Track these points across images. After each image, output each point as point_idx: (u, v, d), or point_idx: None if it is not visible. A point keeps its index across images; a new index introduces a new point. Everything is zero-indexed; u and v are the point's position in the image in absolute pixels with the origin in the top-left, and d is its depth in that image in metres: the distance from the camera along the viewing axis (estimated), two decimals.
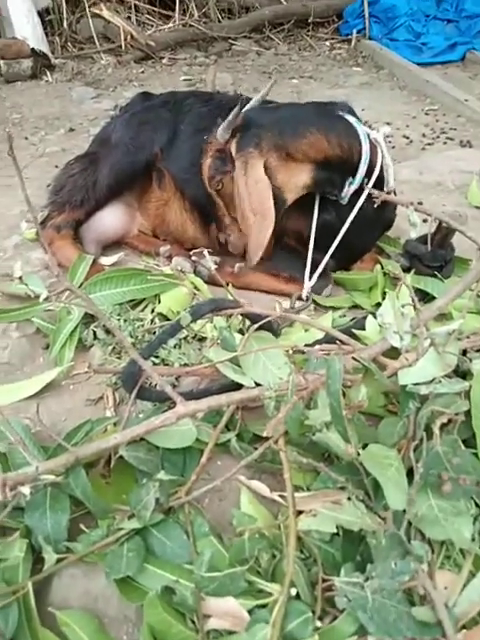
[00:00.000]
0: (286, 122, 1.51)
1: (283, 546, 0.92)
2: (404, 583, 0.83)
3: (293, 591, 0.83)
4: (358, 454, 0.99)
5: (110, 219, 1.80)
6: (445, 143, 3.09)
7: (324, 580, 0.87)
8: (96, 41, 4.97)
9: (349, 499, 0.93)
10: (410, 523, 0.93)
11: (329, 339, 1.21)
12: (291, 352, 1.14)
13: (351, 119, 1.58)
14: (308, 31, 5.43)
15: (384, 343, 1.05)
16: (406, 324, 1.03)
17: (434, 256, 1.68)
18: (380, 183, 1.58)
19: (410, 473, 0.94)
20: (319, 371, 0.98)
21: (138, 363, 1.05)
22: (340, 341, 1.08)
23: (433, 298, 1.52)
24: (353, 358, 0.96)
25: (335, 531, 0.89)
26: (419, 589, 0.85)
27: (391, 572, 0.83)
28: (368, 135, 1.56)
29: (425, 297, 1.59)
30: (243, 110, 1.57)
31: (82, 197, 1.77)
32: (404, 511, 0.91)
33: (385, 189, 1.55)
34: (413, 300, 1.06)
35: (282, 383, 0.97)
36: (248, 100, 1.67)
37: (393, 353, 1.10)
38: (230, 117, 1.51)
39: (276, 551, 0.94)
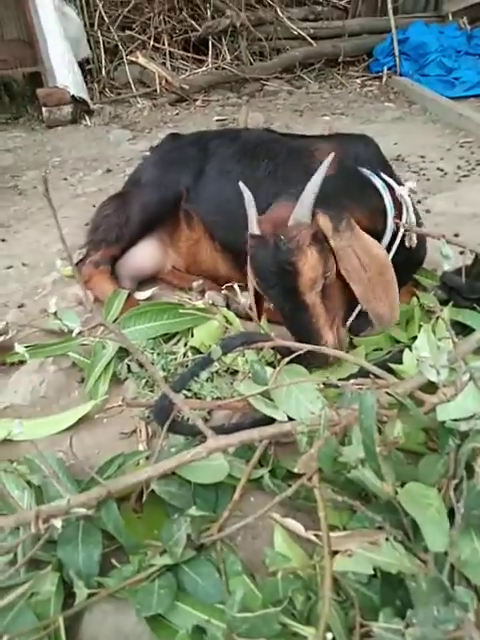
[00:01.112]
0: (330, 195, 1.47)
1: (318, 588, 0.89)
2: (449, 633, 0.78)
3: (329, 636, 0.80)
4: (396, 493, 0.96)
5: (143, 255, 1.86)
6: None
7: (362, 625, 0.83)
8: (132, 86, 5.21)
9: (387, 540, 0.89)
10: (453, 567, 0.88)
11: (364, 373, 1.19)
12: (324, 386, 1.12)
13: (376, 181, 1.53)
14: (339, 70, 5.55)
15: (420, 377, 1.03)
16: (443, 358, 1.01)
17: (472, 288, 1.64)
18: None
19: (451, 514, 0.90)
20: (353, 406, 0.96)
21: (169, 397, 1.05)
22: (374, 375, 1.06)
23: (472, 330, 1.48)
24: (387, 393, 0.94)
25: (372, 573, 0.85)
26: (465, 639, 0.80)
27: (434, 619, 0.79)
28: (392, 192, 1.52)
29: (464, 330, 1.56)
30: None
31: (116, 234, 1.84)
32: (446, 554, 0.87)
33: (407, 243, 1.50)
34: (450, 333, 1.04)
35: (314, 418, 0.96)
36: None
37: (431, 388, 1.08)
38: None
39: (311, 593, 0.90)
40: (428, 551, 0.87)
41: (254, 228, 1.37)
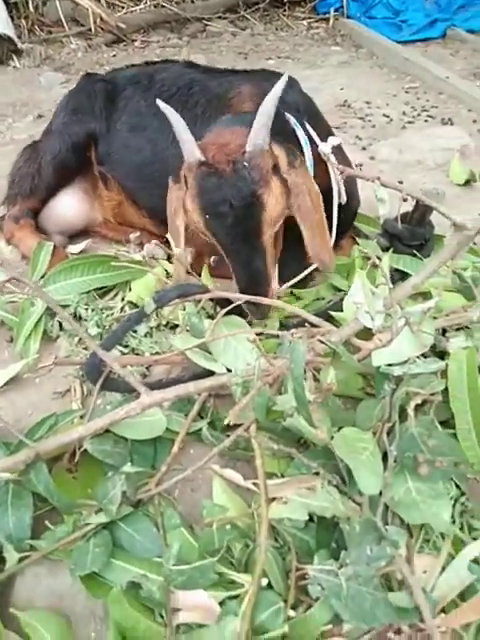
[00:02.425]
0: None
1: (256, 535, 0.89)
2: (380, 569, 0.80)
3: (265, 581, 0.80)
4: (332, 438, 0.96)
5: (68, 207, 1.73)
6: (426, 121, 3.04)
7: (298, 569, 0.84)
8: (65, 24, 4.81)
9: (323, 485, 0.90)
10: (387, 507, 0.90)
11: (302, 322, 1.17)
12: (262, 337, 1.10)
13: (300, 133, 1.39)
14: (284, 11, 5.31)
15: (356, 324, 1.01)
16: (378, 304, 1.00)
17: (413, 234, 1.64)
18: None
19: (385, 457, 0.91)
20: (287, 355, 0.94)
21: (99, 355, 1.00)
22: (311, 324, 1.04)
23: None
24: (319, 340, 0.92)
25: (308, 518, 0.86)
26: (396, 574, 0.83)
27: (366, 558, 0.80)
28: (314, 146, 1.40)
29: (404, 277, 1.56)
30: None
31: (30, 186, 1.72)
32: (380, 494, 0.89)
33: (334, 206, 1.40)
34: (386, 279, 1.02)
35: (250, 369, 0.93)
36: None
37: (368, 334, 1.07)
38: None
39: (249, 541, 0.90)
40: (363, 494, 0.88)
41: (196, 154, 1.18)
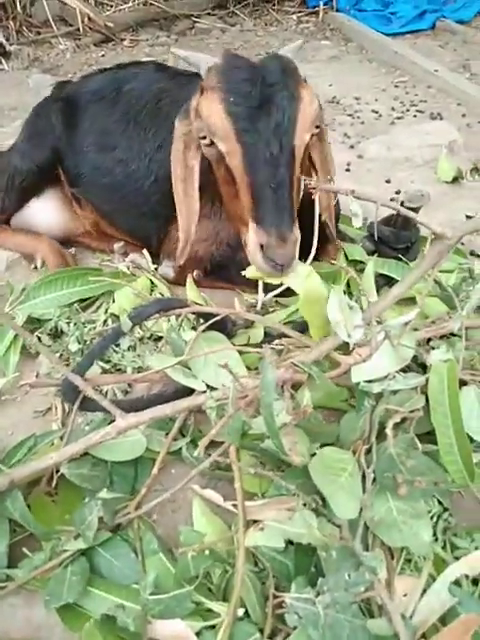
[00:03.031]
0: None
1: (235, 560, 0.88)
2: (358, 595, 0.79)
3: (240, 611, 0.79)
4: (314, 454, 0.95)
5: (43, 218, 1.71)
6: (415, 116, 3.01)
7: (275, 596, 0.82)
8: (53, 24, 4.76)
9: (303, 507, 0.88)
10: (368, 528, 0.88)
11: (283, 336, 1.15)
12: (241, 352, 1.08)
13: None
14: (274, 5, 5.25)
15: (334, 339, 1.00)
16: (357, 318, 0.98)
17: (398, 238, 1.62)
18: None
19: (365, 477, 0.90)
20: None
21: (76, 375, 0.98)
22: (283, 335, 1.02)
23: (397, 282, 1.47)
24: (293, 363, 0.90)
25: (283, 545, 0.84)
26: (376, 599, 0.81)
27: (344, 584, 0.79)
28: None
29: (389, 281, 1.54)
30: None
31: (1, 205, 1.71)
32: (361, 512, 0.87)
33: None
34: (366, 293, 1.00)
35: (225, 390, 0.91)
36: None
37: (348, 348, 1.05)
38: None
39: (228, 566, 0.89)
40: None
41: (215, 59, 1.11)
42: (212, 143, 1.12)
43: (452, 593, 0.81)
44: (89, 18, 4.67)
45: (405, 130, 2.71)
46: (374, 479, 0.88)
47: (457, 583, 0.84)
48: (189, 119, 1.19)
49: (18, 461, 1.05)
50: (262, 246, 1.05)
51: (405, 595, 0.84)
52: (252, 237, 1.06)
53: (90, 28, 4.73)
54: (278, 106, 1.05)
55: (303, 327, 1.31)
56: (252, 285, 1.50)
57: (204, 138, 1.13)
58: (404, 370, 1.01)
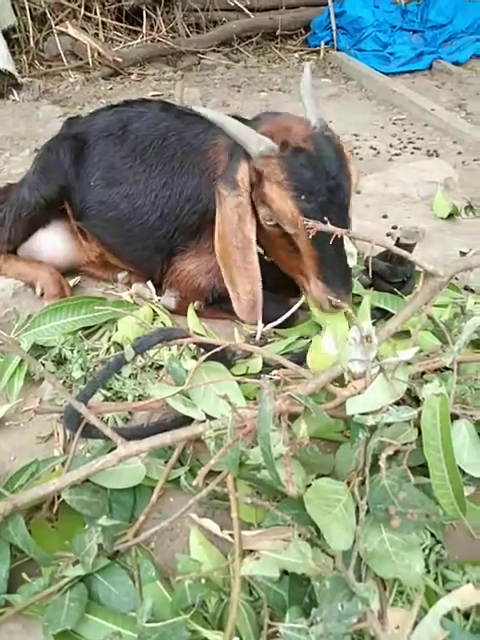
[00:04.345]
0: None
1: (231, 589, 0.89)
2: (351, 625, 0.80)
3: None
4: (309, 485, 0.97)
5: (49, 248, 1.76)
6: (412, 153, 3.11)
7: (270, 626, 0.84)
8: (63, 59, 4.94)
9: (298, 536, 0.90)
10: (361, 559, 0.90)
11: (281, 366, 1.18)
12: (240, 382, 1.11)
13: None
14: (277, 44, 5.45)
15: (331, 372, 1.03)
16: (356, 352, 1.01)
17: (394, 272, 1.67)
18: None
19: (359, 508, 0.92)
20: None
21: (80, 402, 1.01)
22: (281, 366, 1.05)
23: (392, 315, 1.51)
24: (290, 396, 0.93)
25: (278, 575, 0.86)
26: (369, 631, 0.83)
27: (338, 615, 0.80)
28: None
29: (385, 314, 1.58)
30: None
31: (8, 236, 1.75)
32: (355, 543, 0.89)
33: None
34: (362, 330, 1.03)
35: (224, 420, 0.94)
36: None
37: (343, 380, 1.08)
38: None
39: (224, 594, 0.91)
40: None
41: (268, 142, 1.20)
42: (277, 225, 1.26)
43: (444, 626, 0.83)
44: (99, 53, 4.84)
45: (402, 167, 2.80)
46: (368, 511, 0.90)
47: (449, 616, 0.85)
48: (239, 190, 1.28)
49: (20, 486, 1.07)
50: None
51: (397, 627, 0.85)
52: (320, 293, 1.26)
53: (99, 62, 4.90)
54: (341, 194, 1.20)
55: (300, 358, 1.35)
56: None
57: (270, 220, 1.27)
58: (398, 403, 1.04)
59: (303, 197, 1.17)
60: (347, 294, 1.27)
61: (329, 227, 1.00)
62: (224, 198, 1.30)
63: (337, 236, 1.11)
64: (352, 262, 1.03)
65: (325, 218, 1.13)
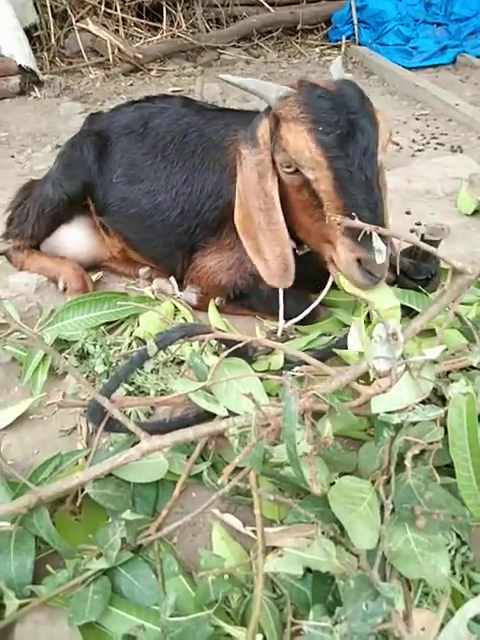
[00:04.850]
0: None
1: (254, 585, 0.89)
2: (376, 626, 0.79)
3: (259, 637, 0.80)
4: (333, 484, 0.96)
5: (71, 244, 1.77)
6: (435, 148, 3.06)
7: (293, 623, 0.83)
8: (84, 55, 4.96)
9: (322, 534, 0.90)
10: (386, 559, 0.89)
11: (303, 363, 1.18)
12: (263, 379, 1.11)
13: None
14: (297, 38, 5.41)
15: (356, 369, 1.02)
16: (382, 350, 1.00)
17: (418, 269, 1.64)
18: None
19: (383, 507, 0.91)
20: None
21: (104, 397, 1.02)
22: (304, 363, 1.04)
23: (417, 313, 1.49)
24: (315, 395, 0.92)
25: (302, 573, 0.85)
26: (394, 632, 0.82)
27: (362, 614, 0.80)
28: None
29: (410, 312, 1.56)
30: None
31: (31, 232, 1.76)
32: (379, 543, 0.88)
33: None
34: (389, 326, 1.02)
35: (247, 417, 0.94)
36: None
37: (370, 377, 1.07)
38: None
39: (246, 591, 0.90)
40: None
41: (287, 88, 1.16)
42: (296, 171, 1.17)
43: (471, 630, 0.81)
44: (119, 49, 4.86)
45: (426, 162, 2.75)
46: (393, 510, 0.89)
47: (476, 620, 0.84)
48: (259, 148, 1.23)
49: (44, 479, 1.08)
50: (359, 261, 1.12)
51: (423, 629, 0.84)
52: (347, 254, 1.13)
53: (119, 59, 4.92)
54: (364, 131, 1.12)
55: (324, 354, 1.34)
56: (272, 313, 1.54)
57: (288, 167, 1.18)
58: (423, 402, 1.03)
59: (320, 128, 1.09)
60: (380, 257, 1.10)
61: (357, 223, 0.98)
62: (244, 157, 1.27)
63: (363, 180, 1.06)
64: (380, 259, 1.01)
65: (348, 154, 1.07)
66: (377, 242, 1.00)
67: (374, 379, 1.03)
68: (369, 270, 1.13)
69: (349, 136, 1.11)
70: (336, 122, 1.10)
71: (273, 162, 1.24)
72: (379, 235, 1.02)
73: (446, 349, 1.31)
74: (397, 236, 0.98)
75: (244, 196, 1.30)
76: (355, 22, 4.98)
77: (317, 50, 5.25)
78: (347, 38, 5.05)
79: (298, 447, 0.87)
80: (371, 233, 0.98)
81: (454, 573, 0.92)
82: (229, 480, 1.04)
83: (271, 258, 1.30)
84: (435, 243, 1.66)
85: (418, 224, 2.18)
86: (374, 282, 1.16)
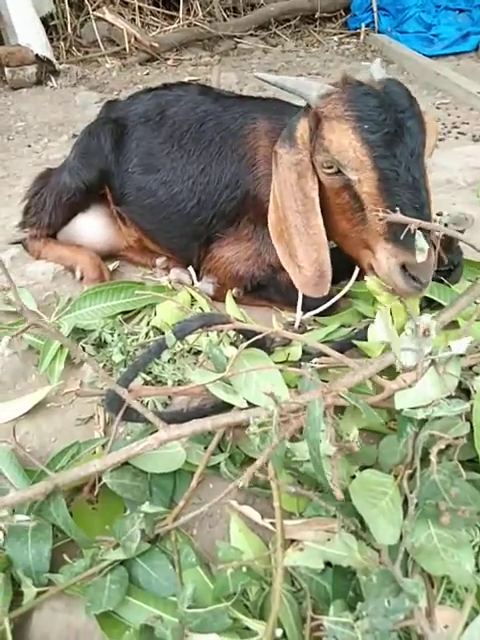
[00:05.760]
0: None
1: (272, 578, 0.88)
2: (398, 622, 0.78)
3: (279, 632, 0.79)
4: (354, 477, 0.95)
5: (88, 233, 1.76)
6: (457, 138, 3.00)
7: (313, 618, 0.82)
8: (100, 45, 4.95)
9: (341, 528, 0.88)
10: (408, 554, 0.87)
11: (323, 355, 1.16)
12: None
13: None
14: (315, 27, 5.34)
15: (380, 362, 1.00)
16: (410, 342, 0.97)
17: (440, 260, 1.60)
18: None
19: (406, 502, 0.89)
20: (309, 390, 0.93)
21: (121, 385, 1.01)
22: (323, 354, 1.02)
23: (439, 305, 1.46)
24: (339, 395, 0.90)
25: (322, 567, 0.84)
26: (416, 628, 0.80)
27: (384, 610, 0.78)
28: None
29: (431, 304, 1.53)
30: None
31: (48, 221, 1.76)
32: (401, 538, 0.86)
33: None
34: (416, 319, 0.99)
35: (268, 412, 0.91)
36: None
37: (393, 371, 1.05)
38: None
39: (265, 583, 0.89)
40: None
41: (329, 87, 1.11)
42: (337, 172, 1.13)
43: None
44: (135, 38, 4.85)
45: (447, 152, 2.70)
46: (416, 505, 0.87)
47: None
48: (297, 148, 1.19)
49: (61, 467, 1.08)
50: (403, 267, 1.07)
51: (446, 626, 0.82)
52: (390, 260, 1.08)
53: (136, 48, 4.91)
54: (411, 132, 1.07)
55: (344, 346, 1.32)
56: (290, 304, 1.52)
57: (329, 168, 1.14)
58: (448, 396, 1.00)
59: (366, 127, 1.04)
60: (422, 256, 1.04)
61: (397, 216, 0.94)
62: (281, 157, 1.21)
63: (410, 181, 1.00)
64: (421, 257, 0.97)
65: (394, 155, 1.01)
66: (420, 240, 0.96)
67: (399, 372, 1.01)
68: (414, 276, 1.08)
69: (396, 136, 1.06)
70: (383, 121, 1.05)
71: (313, 166, 1.20)
72: (423, 234, 0.98)
73: (471, 343, 1.29)
74: (439, 229, 0.94)
75: (279, 198, 1.24)
76: (375, 9, 4.90)
77: (336, 38, 5.18)
78: (366, 26, 4.97)
79: (321, 446, 0.85)
80: (415, 234, 0.94)
81: (478, 570, 0.90)
82: (245, 470, 1.03)
83: (306, 264, 1.24)
84: (459, 233, 1.61)
85: (439, 214, 2.13)
86: (419, 289, 1.10)
